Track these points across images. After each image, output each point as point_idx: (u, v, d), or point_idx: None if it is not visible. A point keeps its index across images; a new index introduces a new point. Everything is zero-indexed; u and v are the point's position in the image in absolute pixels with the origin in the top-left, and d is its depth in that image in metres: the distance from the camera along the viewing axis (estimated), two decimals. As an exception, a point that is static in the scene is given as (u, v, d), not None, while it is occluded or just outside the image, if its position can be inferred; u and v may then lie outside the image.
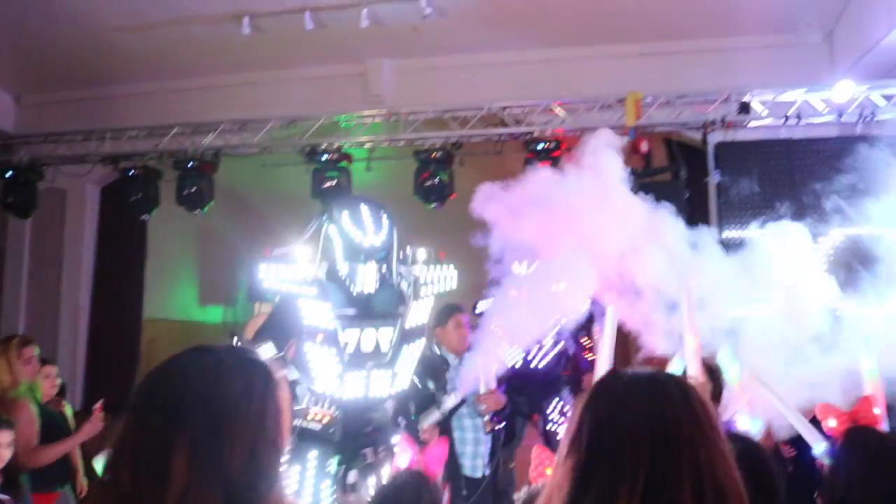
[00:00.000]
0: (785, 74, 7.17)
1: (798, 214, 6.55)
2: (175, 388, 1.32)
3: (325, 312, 3.67)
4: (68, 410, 5.37)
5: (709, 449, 1.39)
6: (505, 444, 5.74)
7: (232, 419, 1.28)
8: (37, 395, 4.87)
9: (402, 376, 3.95)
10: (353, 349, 3.69)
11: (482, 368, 4.79)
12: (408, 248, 4.11)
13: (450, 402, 4.60)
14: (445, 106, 7.80)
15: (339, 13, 7.26)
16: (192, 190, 8.07)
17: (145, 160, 8.37)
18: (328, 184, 7.75)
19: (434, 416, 4.55)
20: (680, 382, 1.52)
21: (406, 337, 3.92)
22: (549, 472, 3.16)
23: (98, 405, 5.02)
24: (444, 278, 4.24)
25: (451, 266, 4.27)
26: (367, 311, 3.75)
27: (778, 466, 3.05)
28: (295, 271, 3.77)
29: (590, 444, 1.44)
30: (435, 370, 4.87)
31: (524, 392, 6.08)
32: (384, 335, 3.82)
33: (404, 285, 3.98)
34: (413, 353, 4.00)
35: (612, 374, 1.59)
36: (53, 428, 4.85)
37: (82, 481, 5.38)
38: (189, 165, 8.06)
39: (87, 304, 9.27)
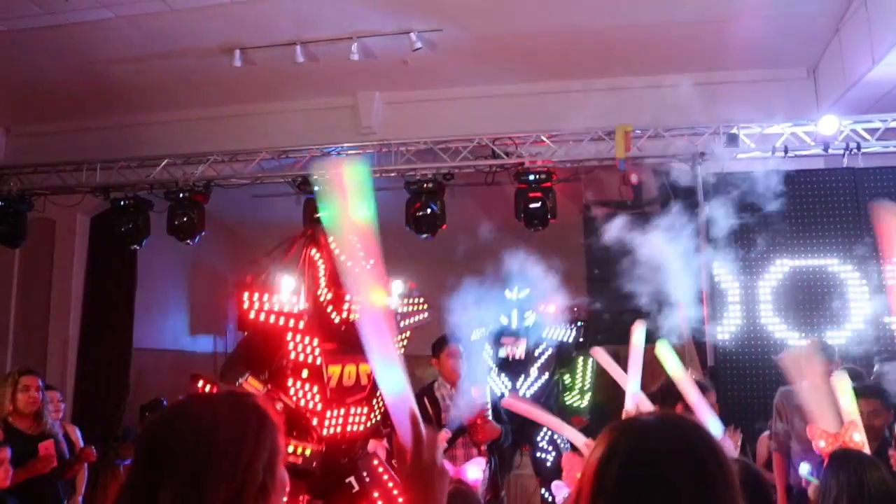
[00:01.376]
0: (771, 108, 7.26)
1: (786, 244, 6.64)
2: (167, 436, 1.35)
3: (311, 347, 3.64)
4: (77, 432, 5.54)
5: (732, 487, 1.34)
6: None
7: (218, 465, 1.30)
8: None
9: (379, 410, 3.93)
10: (335, 383, 3.67)
11: (476, 397, 4.82)
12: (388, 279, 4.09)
13: (441, 435, 4.60)
14: (436, 138, 7.84)
15: (330, 46, 7.32)
16: (183, 220, 8.06)
17: (136, 191, 8.36)
18: (320, 214, 7.76)
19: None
20: (697, 423, 1.46)
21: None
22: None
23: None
24: (418, 310, 4.23)
25: (421, 298, 4.26)
26: (348, 343, 3.73)
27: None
28: (280, 302, 3.68)
29: (617, 488, 1.33)
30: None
31: (514, 422, 6.09)
32: (364, 370, 3.80)
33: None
34: None
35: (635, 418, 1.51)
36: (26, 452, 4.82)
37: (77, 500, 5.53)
38: (180, 196, 8.06)
39: (77, 335, 9.22)
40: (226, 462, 1.31)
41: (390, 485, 3.81)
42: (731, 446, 3.54)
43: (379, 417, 4.02)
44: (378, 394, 3.93)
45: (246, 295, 3.70)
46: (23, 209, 8.57)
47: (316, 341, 3.64)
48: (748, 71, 7.52)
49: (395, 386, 1.68)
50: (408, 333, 4.23)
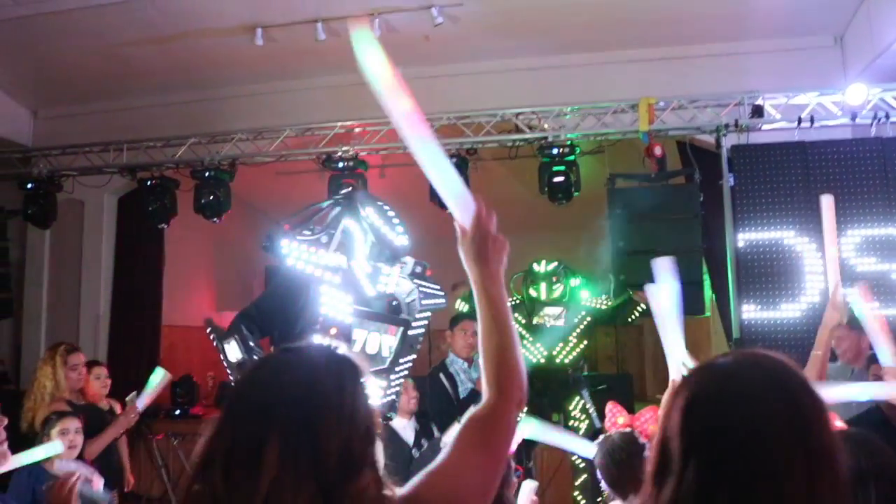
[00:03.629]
0: (797, 78, 7.19)
1: (811, 217, 6.58)
2: (268, 389, 1.37)
3: (345, 305, 3.59)
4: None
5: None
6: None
7: (326, 416, 1.33)
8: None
9: (393, 389, 3.90)
10: (359, 349, 3.64)
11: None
12: (410, 259, 4.03)
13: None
14: (459, 113, 7.84)
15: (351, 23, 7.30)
16: (210, 198, 8.14)
17: (162, 170, 8.46)
18: (344, 191, 7.79)
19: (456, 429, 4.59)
20: (782, 360, 1.33)
21: (405, 349, 3.88)
22: (620, 420, 3.26)
23: (130, 397, 5.30)
24: (435, 294, 4.18)
25: (437, 285, 4.21)
26: (374, 315, 3.71)
27: None
28: (321, 255, 3.61)
29: (705, 434, 1.22)
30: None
31: (546, 393, 6.16)
32: (387, 342, 3.79)
33: (413, 295, 3.95)
34: (405, 368, 3.98)
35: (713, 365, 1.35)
36: (99, 423, 5.06)
37: (130, 477, 5.78)
38: (206, 175, 8.14)
39: (107, 312, 9.37)
40: (332, 412, 1.34)
41: None
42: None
43: (393, 396, 4.01)
44: (396, 370, 3.91)
45: (287, 242, 3.60)
46: (52, 190, 8.70)
47: (350, 300, 3.60)
48: (773, 40, 7.41)
49: (444, 172, 1.72)
50: (428, 314, 4.22)
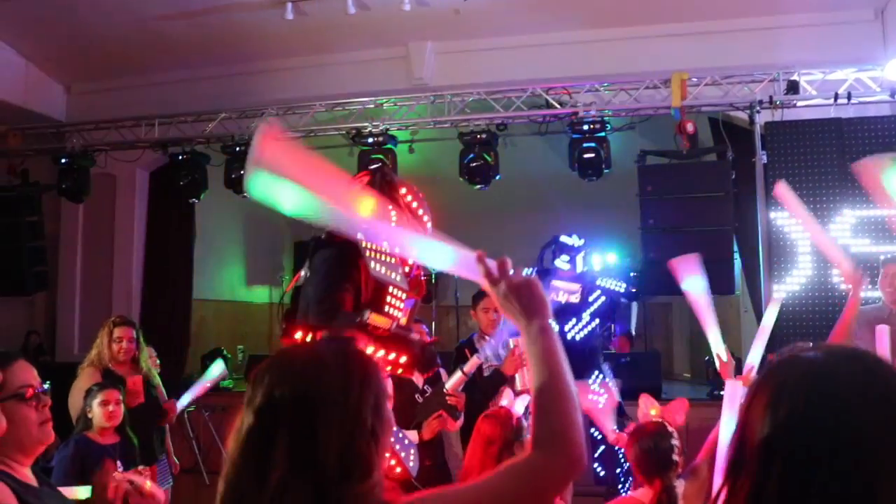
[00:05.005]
0: (834, 53, 7.04)
1: (846, 195, 6.48)
2: (275, 385, 1.37)
3: (403, 302, 3.53)
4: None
5: None
6: None
7: (327, 413, 1.33)
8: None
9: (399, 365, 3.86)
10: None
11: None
12: None
13: (471, 363, 4.67)
14: (489, 88, 7.79)
15: (381, -3, 7.29)
16: (240, 173, 8.18)
17: (193, 145, 8.52)
18: (373, 166, 7.80)
19: (457, 377, 4.64)
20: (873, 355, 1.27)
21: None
22: (653, 412, 3.31)
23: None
24: None
25: None
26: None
27: None
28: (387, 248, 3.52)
29: (791, 458, 1.13)
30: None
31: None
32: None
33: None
34: None
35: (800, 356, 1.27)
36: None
37: (174, 460, 5.92)
38: (236, 149, 8.18)
39: (139, 286, 9.49)
40: (335, 409, 1.33)
41: None
42: None
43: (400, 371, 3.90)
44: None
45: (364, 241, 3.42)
46: (85, 165, 8.80)
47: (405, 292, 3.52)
48: (810, 14, 7.25)
49: (429, 251, 1.68)
50: None
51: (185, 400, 5.72)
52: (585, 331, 6.30)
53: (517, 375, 5.01)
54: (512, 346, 5.08)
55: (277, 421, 1.32)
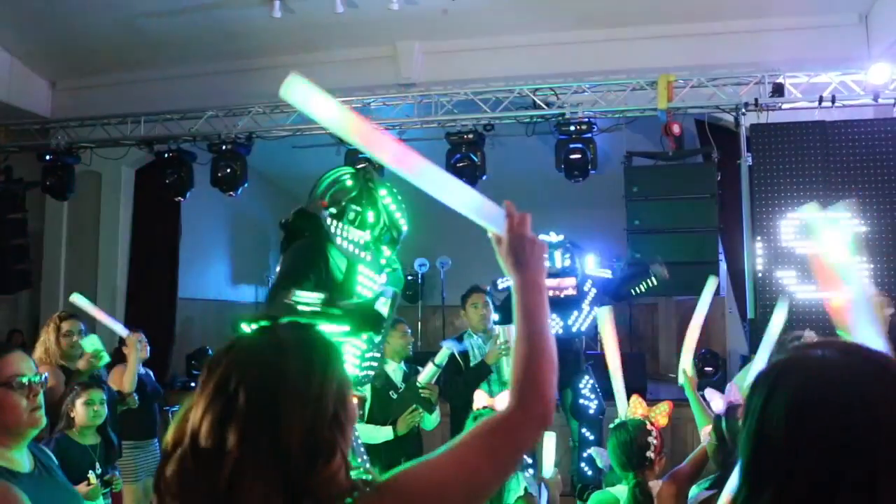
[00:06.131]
0: (819, 56, 7.09)
1: (831, 197, 6.53)
2: (233, 369, 1.33)
3: (377, 284, 3.55)
4: None
5: None
6: None
7: (289, 398, 1.29)
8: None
9: (379, 362, 3.87)
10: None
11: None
12: None
13: (441, 355, 4.70)
14: (476, 88, 7.80)
15: (369, -4, 7.29)
16: (226, 172, 8.17)
17: (179, 143, 8.48)
18: (360, 165, 7.78)
19: (430, 370, 4.67)
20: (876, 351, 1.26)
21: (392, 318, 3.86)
22: (639, 411, 3.37)
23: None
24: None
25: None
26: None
27: None
28: (353, 232, 3.46)
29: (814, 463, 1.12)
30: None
31: (560, 364, 6.20)
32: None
33: (396, 264, 3.91)
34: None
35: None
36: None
37: None
38: (222, 148, 8.15)
39: (124, 284, 9.45)
40: (296, 397, 1.30)
41: None
42: None
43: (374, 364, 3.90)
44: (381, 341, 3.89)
45: (331, 221, 3.40)
46: (70, 162, 8.75)
47: (382, 278, 3.57)
48: (795, 17, 7.31)
49: (457, 191, 1.66)
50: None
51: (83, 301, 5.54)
52: (588, 320, 6.39)
53: (501, 364, 5.08)
54: (496, 333, 5.14)
55: (232, 407, 1.28)
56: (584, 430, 6.19)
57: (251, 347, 1.39)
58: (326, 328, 2.95)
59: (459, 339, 5.49)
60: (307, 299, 3.13)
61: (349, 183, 3.48)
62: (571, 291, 6.38)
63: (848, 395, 1.13)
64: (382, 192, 3.53)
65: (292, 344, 1.38)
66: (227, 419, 1.27)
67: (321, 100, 1.56)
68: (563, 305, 6.31)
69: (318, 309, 3.09)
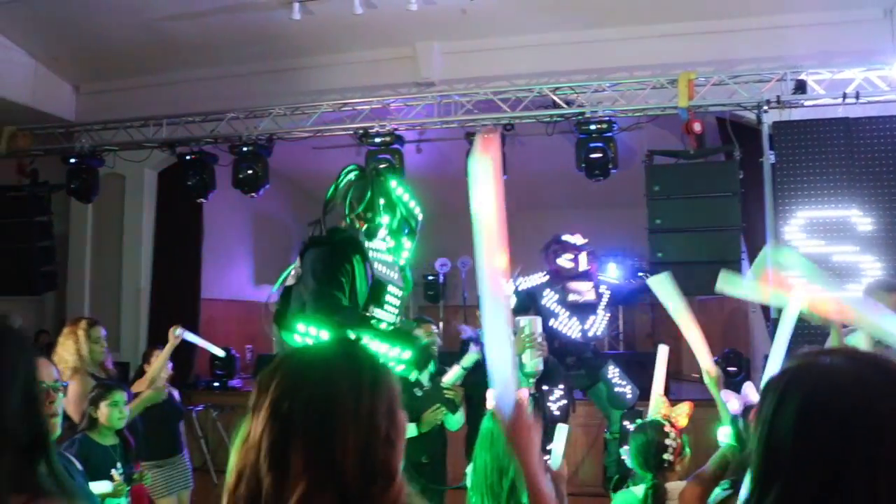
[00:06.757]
0: (843, 52, 7.02)
1: (855, 194, 6.46)
2: (283, 393, 1.31)
3: (396, 305, 3.56)
4: None
5: None
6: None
7: (341, 419, 1.28)
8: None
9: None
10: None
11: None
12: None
13: (468, 358, 4.69)
14: (496, 88, 7.80)
15: (388, -3, 7.30)
16: (248, 173, 8.22)
17: (201, 145, 8.55)
18: (381, 166, 7.81)
19: (456, 372, 4.66)
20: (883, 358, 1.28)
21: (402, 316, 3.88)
22: (662, 411, 3.35)
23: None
24: None
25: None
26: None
27: None
28: (377, 244, 3.50)
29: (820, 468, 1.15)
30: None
31: (581, 366, 6.19)
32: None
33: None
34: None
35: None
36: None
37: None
38: (244, 149, 8.21)
39: (148, 285, 9.53)
40: (347, 416, 1.28)
41: None
42: None
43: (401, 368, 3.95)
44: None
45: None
46: (94, 165, 8.85)
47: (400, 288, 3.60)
48: (818, 13, 7.23)
49: (503, 350, 1.69)
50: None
51: (189, 336, 5.86)
52: (603, 324, 6.38)
53: (524, 357, 5.05)
54: (519, 326, 5.10)
55: (290, 430, 1.27)
56: (625, 423, 6.08)
57: (300, 367, 1.38)
58: (380, 347, 3.01)
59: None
60: (384, 317, 3.20)
61: (359, 183, 3.50)
62: (591, 296, 6.35)
63: (853, 402, 1.17)
64: (393, 183, 3.55)
65: (341, 362, 1.37)
66: (285, 444, 1.27)
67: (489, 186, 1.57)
68: (582, 310, 6.28)
69: (388, 330, 3.21)
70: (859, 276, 6.20)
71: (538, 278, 6.27)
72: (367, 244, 3.39)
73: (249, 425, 1.32)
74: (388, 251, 3.52)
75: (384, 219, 3.48)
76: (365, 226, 3.45)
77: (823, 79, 6.94)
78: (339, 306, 3.12)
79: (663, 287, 3.27)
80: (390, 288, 3.43)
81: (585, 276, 6.39)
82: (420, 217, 3.59)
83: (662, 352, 3.62)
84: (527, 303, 6.13)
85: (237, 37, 8.19)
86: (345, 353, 1.41)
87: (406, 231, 3.61)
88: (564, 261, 6.27)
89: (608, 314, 6.58)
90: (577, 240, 6.36)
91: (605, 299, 6.44)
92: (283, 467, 1.26)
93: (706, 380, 3.41)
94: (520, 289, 6.17)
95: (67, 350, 5.00)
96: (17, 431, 1.34)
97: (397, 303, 3.47)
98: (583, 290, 6.33)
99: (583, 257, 6.35)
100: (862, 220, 6.46)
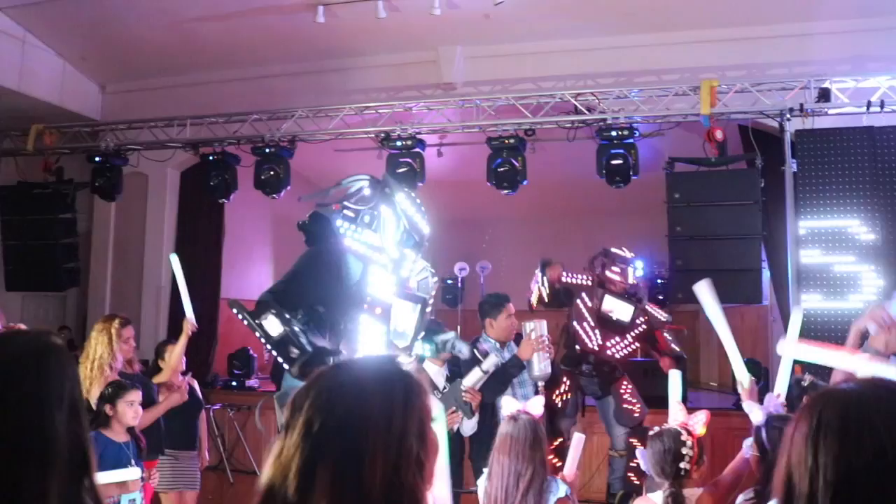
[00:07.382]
0: (867, 60, 6.97)
1: (878, 204, 6.41)
2: (315, 412, 1.31)
3: (391, 286, 3.64)
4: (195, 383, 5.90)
5: None
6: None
7: (370, 439, 1.27)
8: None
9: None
10: (393, 328, 3.71)
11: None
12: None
13: (489, 362, 4.68)
14: (517, 93, 7.81)
15: (411, 1, 7.33)
16: (270, 174, 8.26)
17: (224, 145, 8.62)
18: (402, 169, 7.84)
19: (476, 375, 4.66)
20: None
21: (421, 326, 3.91)
22: (680, 418, 3.35)
23: (185, 378, 5.63)
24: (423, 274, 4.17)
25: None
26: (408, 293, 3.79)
27: None
28: (367, 234, 3.65)
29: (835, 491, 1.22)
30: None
31: (596, 375, 6.14)
32: (410, 320, 3.83)
33: (425, 273, 3.97)
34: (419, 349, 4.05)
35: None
36: (149, 395, 5.24)
37: (205, 455, 5.99)
38: (266, 151, 8.26)
39: (168, 284, 9.58)
40: (378, 435, 1.27)
41: None
42: None
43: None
44: (414, 347, 4.00)
45: (342, 222, 3.62)
46: (118, 164, 8.94)
47: (395, 279, 3.66)
48: (842, 21, 7.19)
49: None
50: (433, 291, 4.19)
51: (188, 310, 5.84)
52: (626, 351, 6.19)
53: (533, 359, 5.06)
54: (528, 329, 5.11)
55: (320, 450, 1.26)
56: (632, 440, 5.98)
57: (332, 387, 1.37)
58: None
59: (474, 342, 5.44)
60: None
61: (366, 192, 3.59)
62: (624, 317, 6.13)
63: (860, 424, 1.24)
64: (400, 196, 3.61)
65: (372, 381, 1.37)
66: (314, 462, 1.27)
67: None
68: (610, 326, 6.11)
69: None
70: (878, 291, 6.16)
71: (582, 280, 6.20)
72: (344, 228, 3.54)
73: (283, 443, 1.32)
74: (394, 261, 3.60)
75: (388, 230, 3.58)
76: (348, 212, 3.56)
77: (847, 87, 6.89)
78: (269, 303, 3.48)
79: (705, 294, 3.28)
80: (374, 270, 3.57)
81: (632, 295, 6.23)
82: (426, 232, 3.64)
83: (675, 376, 3.64)
84: (562, 298, 6.12)
85: (262, 39, 8.26)
86: (378, 371, 1.40)
87: (410, 244, 3.67)
88: (614, 274, 6.15)
89: (638, 346, 6.43)
90: (626, 253, 6.26)
91: (639, 329, 6.24)
92: (309, 484, 1.25)
93: (740, 390, 3.41)
94: (563, 280, 6.11)
95: (103, 345, 5.10)
96: (65, 450, 1.37)
97: (386, 286, 3.58)
98: (619, 310, 6.14)
99: (630, 271, 6.25)
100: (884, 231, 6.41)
